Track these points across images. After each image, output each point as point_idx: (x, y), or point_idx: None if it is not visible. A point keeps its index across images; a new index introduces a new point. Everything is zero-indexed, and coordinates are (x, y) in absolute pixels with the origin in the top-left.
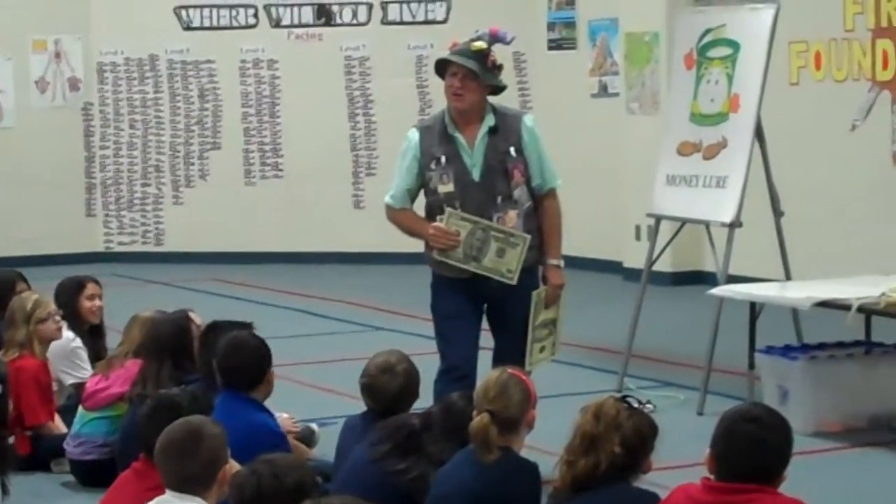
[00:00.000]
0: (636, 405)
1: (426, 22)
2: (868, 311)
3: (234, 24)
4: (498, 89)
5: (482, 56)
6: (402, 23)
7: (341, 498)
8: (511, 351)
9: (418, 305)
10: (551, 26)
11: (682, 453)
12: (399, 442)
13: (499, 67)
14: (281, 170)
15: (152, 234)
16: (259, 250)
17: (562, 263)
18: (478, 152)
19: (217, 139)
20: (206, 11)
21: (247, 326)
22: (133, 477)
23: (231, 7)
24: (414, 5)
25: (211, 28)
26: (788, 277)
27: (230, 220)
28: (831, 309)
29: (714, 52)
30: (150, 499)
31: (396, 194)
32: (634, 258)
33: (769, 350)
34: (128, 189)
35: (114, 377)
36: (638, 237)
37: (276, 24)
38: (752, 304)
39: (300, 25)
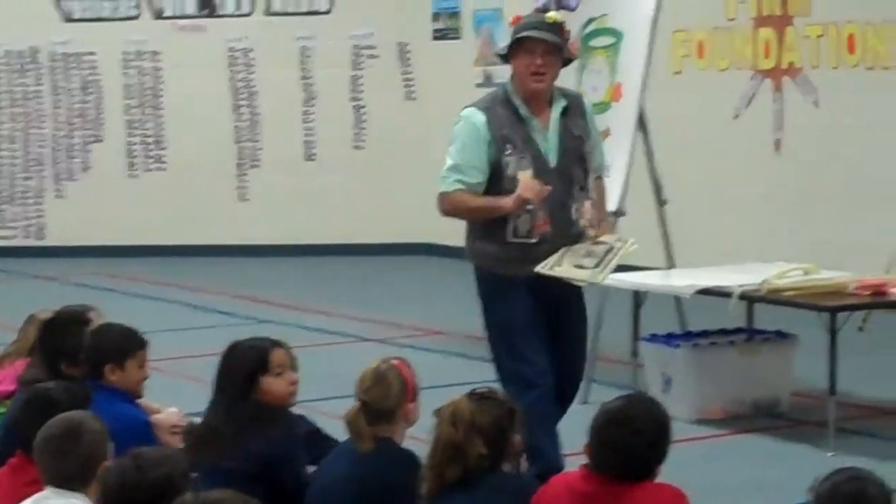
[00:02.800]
0: (487, 393)
1: (310, 13)
2: (750, 299)
3: (116, 15)
4: (567, 62)
5: (559, 28)
6: (286, 13)
7: (223, 492)
8: (565, 364)
9: (303, 298)
10: (436, 16)
11: (564, 442)
12: None
13: (568, 39)
14: (164, 162)
15: (34, 228)
16: (143, 243)
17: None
18: (553, 135)
19: (99, 132)
20: (86, 2)
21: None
22: (9, 472)
23: None
24: None
25: (92, 19)
26: (672, 266)
27: (113, 213)
28: (714, 297)
29: (597, 42)
30: (29, 494)
31: (467, 177)
32: None
33: (652, 338)
34: (8, 183)
35: (1, 375)
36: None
37: (159, 15)
38: (636, 293)
39: (183, 16)
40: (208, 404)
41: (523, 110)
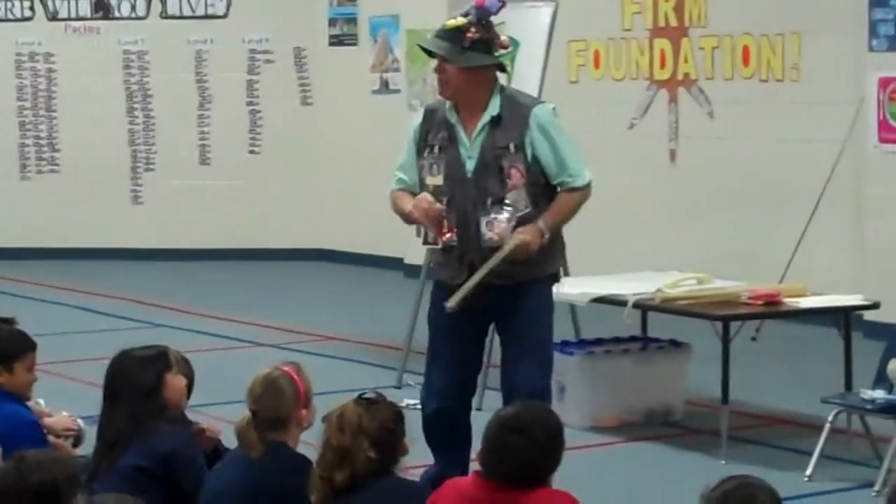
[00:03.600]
0: (375, 398)
1: (206, 16)
2: (644, 308)
3: (10, 16)
4: (494, 68)
5: (458, 34)
6: (181, 17)
7: (116, 497)
8: (516, 366)
9: (197, 302)
10: (332, 22)
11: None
12: None
13: (482, 42)
14: (57, 164)
15: None
16: (36, 246)
17: (542, 227)
18: (475, 144)
19: None
20: None
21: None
22: None
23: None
24: (193, 0)
25: None
26: (566, 274)
27: (5, 214)
28: (608, 305)
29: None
30: None
31: (405, 175)
32: (415, 255)
33: None
34: None
35: None
36: (419, 234)
37: (53, 16)
38: None
39: (77, 18)
40: (104, 408)
41: (452, 116)
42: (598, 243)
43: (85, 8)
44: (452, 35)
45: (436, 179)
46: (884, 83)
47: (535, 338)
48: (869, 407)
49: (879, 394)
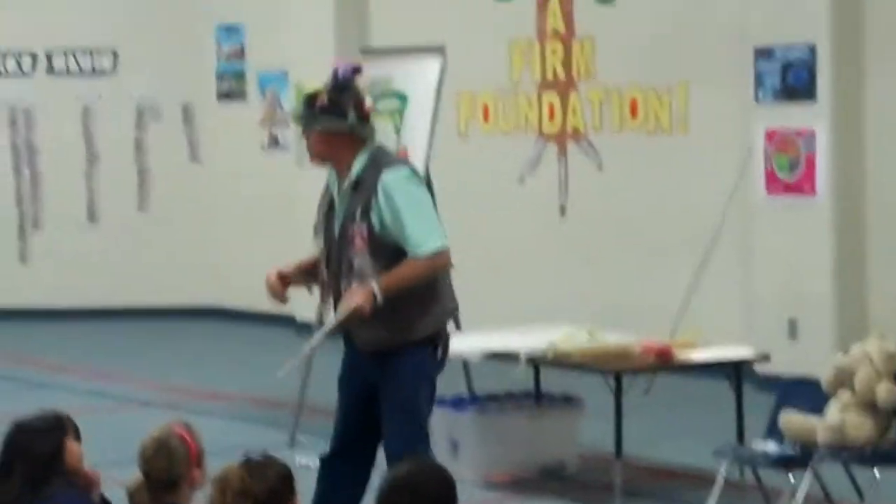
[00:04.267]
0: (262, 459)
1: (93, 72)
2: (537, 363)
3: None
4: (353, 124)
5: (312, 100)
6: (68, 73)
7: None
8: (386, 433)
9: (85, 361)
10: (220, 76)
11: None
12: None
13: (335, 107)
14: None
15: None
16: None
17: (374, 288)
18: (341, 207)
19: None
20: None
21: None
22: None
23: None
24: (80, 55)
25: None
26: (458, 328)
27: None
28: (501, 360)
29: (382, 105)
30: None
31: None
32: (306, 312)
33: (440, 402)
34: None
35: None
36: (310, 291)
37: None
38: None
39: None
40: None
41: (331, 179)
42: (490, 295)
43: None
44: (308, 101)
45: (318, 242)
46: (770, 135)
47: (402, 404)
48: (761, 459)
49: (772, 446)
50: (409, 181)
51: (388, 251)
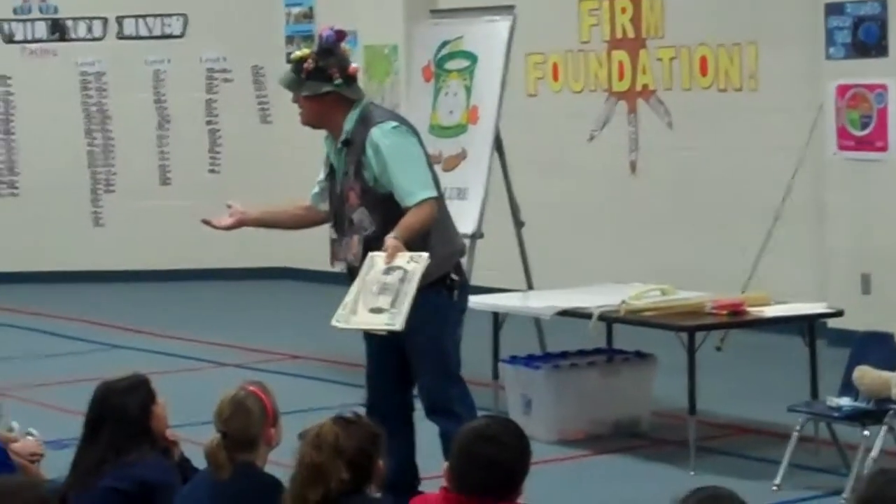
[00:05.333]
0: (353, 418)
1: (163, 36)
2: (609, 320)
3: None
4: (338, 86)
5: (298, 66)
6: (138, 37)
7: None
8: (420, 385)
9: (160, 323)
10: (290, 39)
11: (423, 465)
12: None
13: (320, 72)
14: (17, 188)
15: None
16: None
17: (396, 237)
18: (338, 169)
19: None
20: None
21: None
22: None
23: None
24: (150, 20)
25: None
26: (530, 287)
27: None
28: (573, 318)
29: (452, 65)
30: None
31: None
32: None
33: (512, 360)
34: None
35: None
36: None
37: (10, 39)
38: (495, 315)
39: (34, 41)
40: (84, 438)
41: (328, 140)
42: (561, 255)
43: (41, 30)
44: (295, 67)
45: (326, 205)
46: (841, 90)
47: (427, 347)
48: (836, 415)
49: (846, 401)
50: (394, 133)
51: (384, 203)
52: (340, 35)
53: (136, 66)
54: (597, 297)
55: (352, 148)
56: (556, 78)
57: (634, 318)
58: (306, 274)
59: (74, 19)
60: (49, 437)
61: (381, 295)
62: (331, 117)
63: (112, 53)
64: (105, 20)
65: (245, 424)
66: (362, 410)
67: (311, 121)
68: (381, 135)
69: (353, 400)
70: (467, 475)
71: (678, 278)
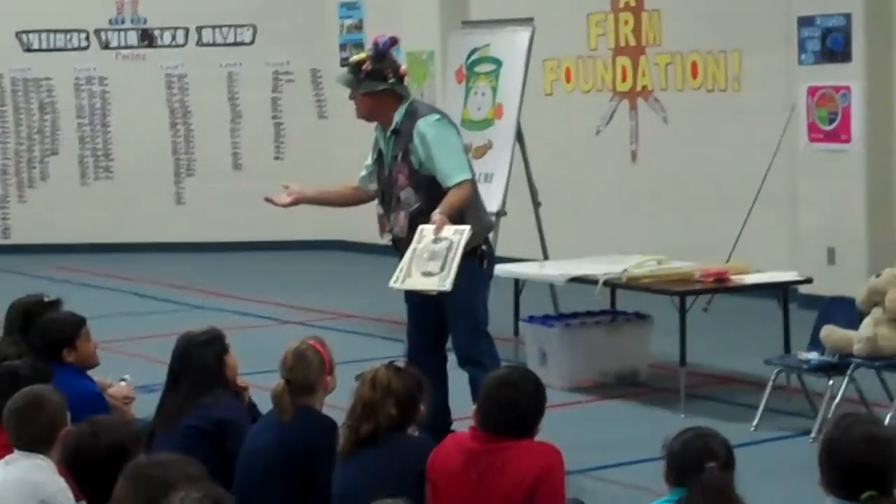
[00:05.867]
0: (403, 366)
1: (235, 44)
2: (613, 285)
3: (69, 46)
4: (390, 91)
5: (357, 68)
6: (214, 44)
7: (170, 455)
8: (454, 340)
9: (231, 286)
10: (343, 46)
11: (455, 407)
12: None
13: (376, 73)
14: (112, 172)
15: (0, 228)
16: (93, 241)
17: (442, 213)
18: (387, 153)
19: (55, 146)
20: (44, 35)
21: (55, 304)
22: None
23: (66, 32)
24: (225, 29)
25: (49, 49)
26: (546, 257)
27: (68, 215)
28: (582, 283)
29: (480, 68)
30: (0, 457)
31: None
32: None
33: (531, 319)
34: None
35: None
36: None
37: (106, 45)
38: (516, 281)
39: (126, 47)
40: (168, 384)
41: (377, 130)
42: (571, 230)
43: (132, 38)
44: (353, 69)
45: (374, 185)
46: (812, 91)
47: (463, 308)
48: (805, 367)
49: (814, 355)
50: (437, 125)
51: (427, 184)
52: (394, 41)
53: (212, 68)
54: (602, 266)
55: (400, 137)
56: (568, 80)
57: (634, 284)
58: (354, 245)
59: (161, 29)
60: (139, 383)
61: (431, 261)
62: (383, 111)
63: (192, 58)
64: (187, 30)
65: (305, 373)
66: (403, 361)
67: (366, 114)
68: (426, 126)
69: (396, 353)
70: (492, 416)
71: (672, 250)
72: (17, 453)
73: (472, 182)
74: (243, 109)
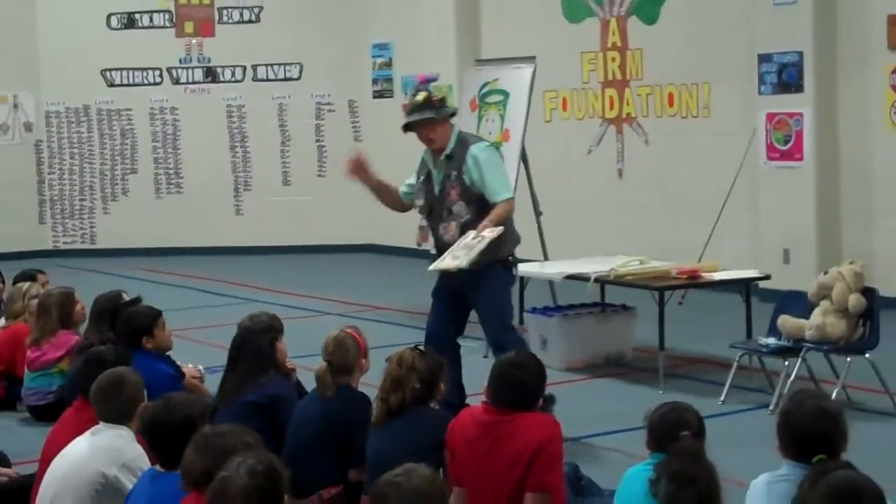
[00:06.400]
0: (425, 350)
1: (285, 79)
2: (602, 282)
3: (145, 81)
4: (450, 114)
5: (428, 101)
6: (267, 80)
7: (231, 426)
8: (488, 333)
9: (282, 284)
10: (375, 81)
11: (469, 385)
12: None
13: (442, 99)
14: (181, 188)
15: (88, 235)
16: (166, 246)
17: (490, 220)
18: (438, 174)
19: (134, 166)
20: (124, 72)
21: (137, 301)
22: (73, 412)
23: (143, 69)
24: (276, 67)
25: (128, 85)
26: (546, 258)
27: (145, 224)
28: (577, 280)
29: (490, 99)
30: (87, 428)
31: (404, 186)
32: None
33: (533, 310)
34: (69, 203)
35: (47, 346)
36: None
37: (176, 81)
38: (521, 278)
39: (193, 82)
40: (228, 366)
41: (426, 156)
42: (567, 235)
43: (199, 75)
44: (426, 104)
45: (420, 200)
46: (770, 117)
47: (495, 306)
48: (764, 350)
49: (772, 340)
50: (487, 150)
51: (477, 199)
52: (433, 79)
53: (265, 100)
54: (593, 266)
55: (453, 160)
56: (565, 109)
57: (620, 281)
58: (385, 249)
59: (222, 67)
60: (207, 365)
61: (462, 250)
62: (442, 137)
63: (249, 92)
64: (244, 67)
65: (344, 356)
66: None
67: (432, 139)
68: (478, 150)
69: (419, 339)
70: (502, 392)
71: (651, 252)
72: (102, 425)
73: (513, 201)
74: (291, 134)
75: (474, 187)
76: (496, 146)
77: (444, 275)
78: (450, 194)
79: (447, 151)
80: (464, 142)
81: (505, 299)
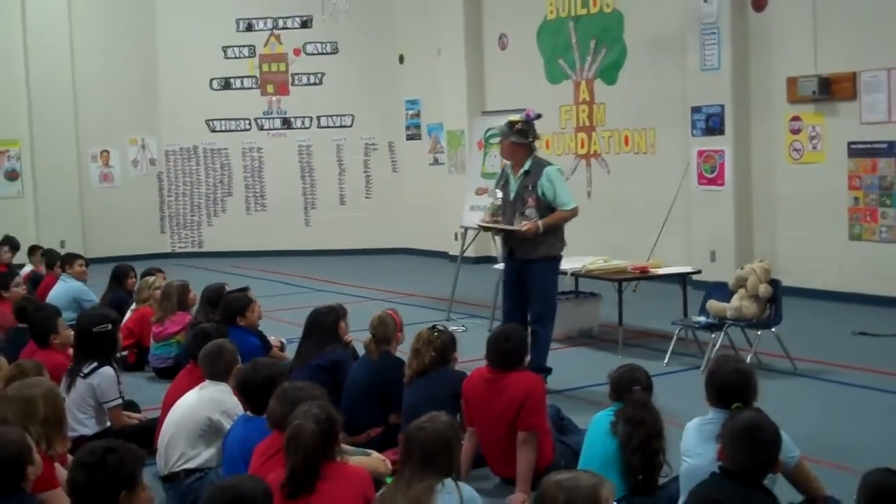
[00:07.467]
0: (441, 328)
1: (341, 126)
2: (576, 275)
3: (238, 128)
4: (530, 142)
5: (512, 126)
6: (328, 127)
7: (304, 383)
8: (532, 309)
9: (339, 277)
10: (408, 127)
11: (478, 353)
12: None
13: (522, 131)
14: (265, 207)
15: (196, 242)
16: (254, 249)
17: (539, 224)
18: (516, 184)
19: (230, 190)
20: (223, 121)
21: (245, 289)
22: (186, 373)
23: (236, 119)
24: (335, 117)
25: (226, 131)
26: None
27: (240, 234)
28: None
29: (493, 140)
30: (197, 385)
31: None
32: (454, 249)
33: None
34: (182, 218)
35: (168, 323)
36: (455, 238)
37: (261, 128)
38: None
39: (274, 129)
40: (303, 340)
41: (507, 168)
42: None
43: (278, 123)
44: (509, 125)
45: (499, 202)
46: (700, 153)
47: (544, 292)
48: (697, 326)
49: (702, 319)
50: (557, 172)
51: (545, 207)
52: (538, 116)
53: (327, 142)
54: (570, 263)
55: (530, 176)
56: (548, 147)
57: (589, 274)
58: (416, 251)
59: (295, 117)
60: (286, 337)
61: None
62: (518, 156)
63: (315, 135)
64: (311, 117)
65: (385, 331)
66: (446, 324)
67: (508, 155)
68: (552, 171)
69: (440, 318)
70: (496, 356)
71: (613, 253)
72: (207, 382)
73: (577, 209)
74: (346, 166)
75: (545, 198)
76: (560, 170)
77: (516, 263)
78: (527, 201)
79: (525, 168)
80: (540, 164)
81: (550, 286)
